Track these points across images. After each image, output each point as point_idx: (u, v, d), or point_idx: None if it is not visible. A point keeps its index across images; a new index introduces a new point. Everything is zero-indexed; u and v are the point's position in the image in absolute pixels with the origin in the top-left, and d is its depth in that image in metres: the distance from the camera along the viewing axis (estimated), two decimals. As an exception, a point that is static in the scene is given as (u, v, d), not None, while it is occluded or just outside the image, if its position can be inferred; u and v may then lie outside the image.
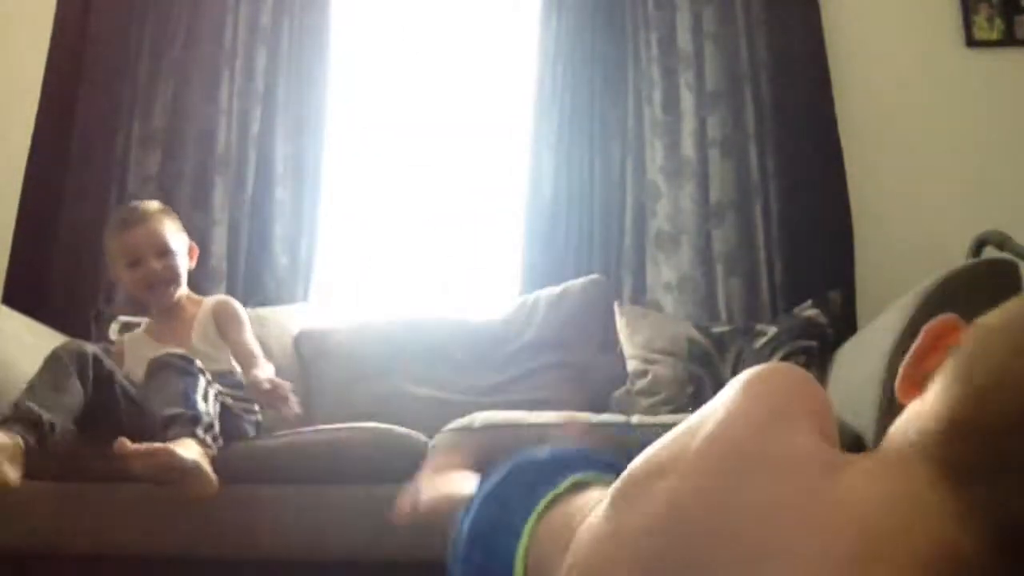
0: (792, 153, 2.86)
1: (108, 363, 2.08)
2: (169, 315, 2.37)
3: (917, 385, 0.71)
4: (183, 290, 2.38)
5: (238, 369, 2.30)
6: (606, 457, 1.04)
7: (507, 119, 3.20)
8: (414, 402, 2.58)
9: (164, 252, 2.29)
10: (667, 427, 2.31)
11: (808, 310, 2.58)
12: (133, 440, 1.81)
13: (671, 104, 2.98)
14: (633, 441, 1.08)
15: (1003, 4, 3.04)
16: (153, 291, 2.31)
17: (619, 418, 2.21)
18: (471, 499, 1.09)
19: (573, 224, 2.97)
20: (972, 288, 1.86)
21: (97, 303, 2.91)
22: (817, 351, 2.46)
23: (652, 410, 2.47)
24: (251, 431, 2.23)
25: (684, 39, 3.00)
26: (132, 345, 2.38)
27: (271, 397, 2.10)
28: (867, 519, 0.63)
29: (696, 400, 2.50)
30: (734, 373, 2.56)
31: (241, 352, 2.31)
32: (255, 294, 2.98)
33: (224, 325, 2.36)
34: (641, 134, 3.01)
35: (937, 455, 0.65)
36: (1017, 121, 3.01)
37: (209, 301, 2.43)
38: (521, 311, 2.77)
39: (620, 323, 2.74)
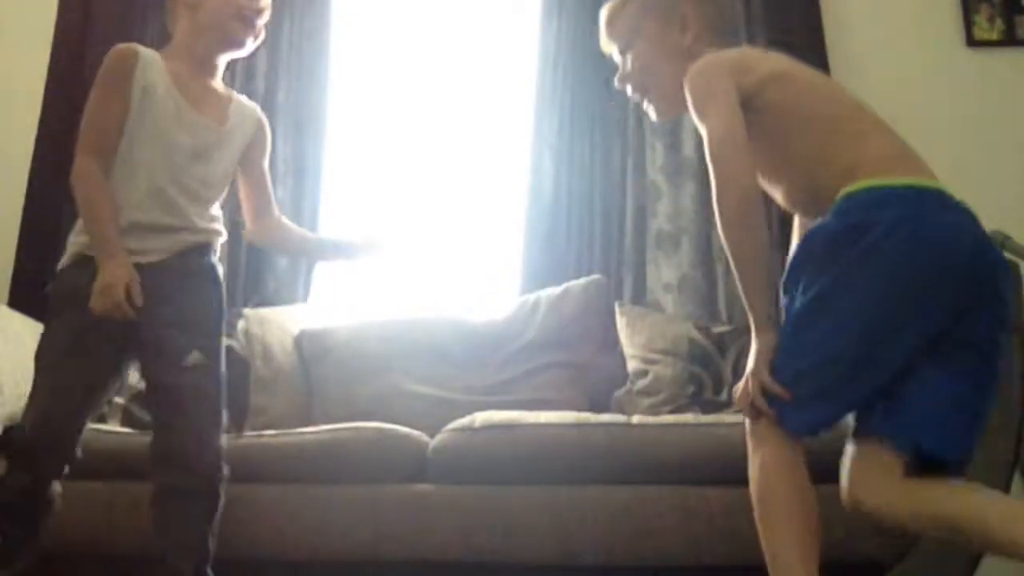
0: (792, 153, 2.86)
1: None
2: (211, 71, 2.07)
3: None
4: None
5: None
6: None
7: (507, 119, 3.20)
8: (414, 401, 2.58)
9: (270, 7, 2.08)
10: (668, 427, 2.32)
11: (808, 310, 2.58)
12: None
13: (671, 104, 2.98)
14: None
15: (1003, 4, 3.04)
16: (247, 24, 2.02)
17: (620, 418, 2.21)
18: None
19: (574, 224, 2.97)
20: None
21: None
22: (817, 351, 2.46)
23: (653, 410, 2.47)
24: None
25: (684, 39, 3.00)
26: (153, 72, 1.96)
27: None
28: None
29: (696, 400, 2.50)
30: (735, 373, 2.58)
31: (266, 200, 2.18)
32: (255, 294, 2.98)
33: (258, 152, 2.16)
34: (641, 134, 3.01)
35: None
36: (1017, 121, 3.01)
37: (247, 103, 2.17)
38: (522, 311, 2.77)
39: (621, 323, 2.74)
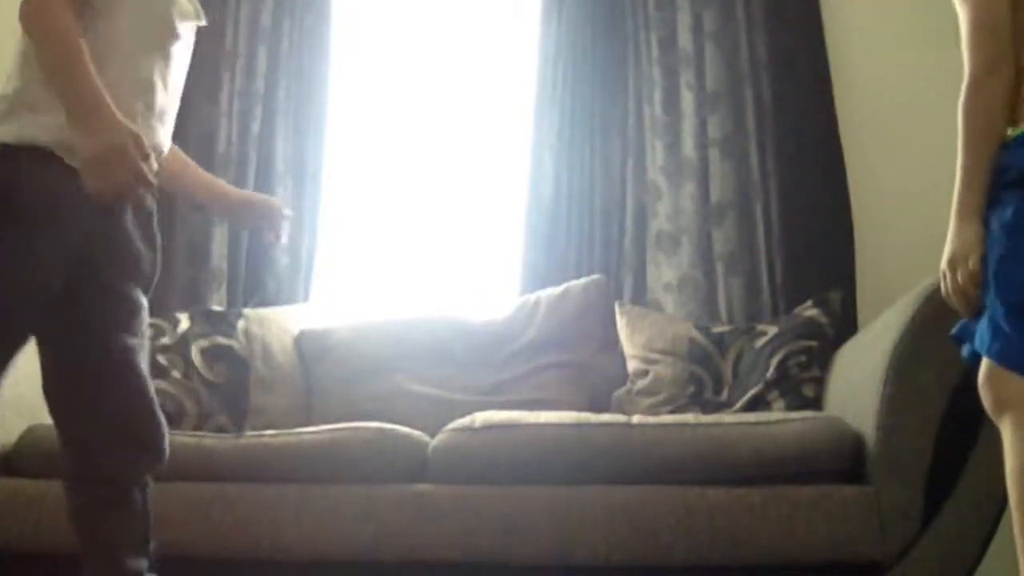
0: (792, 153, 2.86)
1: None
2: None
3: None
4: None
5: None
6: None
7: (507, 119, 3.20)
8: (415, 401, 2.59)
9: None
10: (668, 427, 2.33)
11: (808, 310, 2.58)
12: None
13: (671, 104, 2.98)
14: None
15: (1003, 4, 3.04)
16: None
17: (620, 418, 2.21)
18: None
19: (574, 224, 2.97)
20: (972, 288, 1.86)
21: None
22: (817, 351, 2.46)
23: (653, 410, 2.47)
24: None
25: (684, 39, 3.00)
26: None
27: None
28: None
29: (696, 400, 2.50)
30: (734, 373, 2.59)
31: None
32: (255, 294, 2.98)
33: None
34: (641, 134, 3.01)
35: None
36: (1017, 121, 3.00)
37: None
38: (522, 311, 2.78)
39: (621, 323, 2.74)
